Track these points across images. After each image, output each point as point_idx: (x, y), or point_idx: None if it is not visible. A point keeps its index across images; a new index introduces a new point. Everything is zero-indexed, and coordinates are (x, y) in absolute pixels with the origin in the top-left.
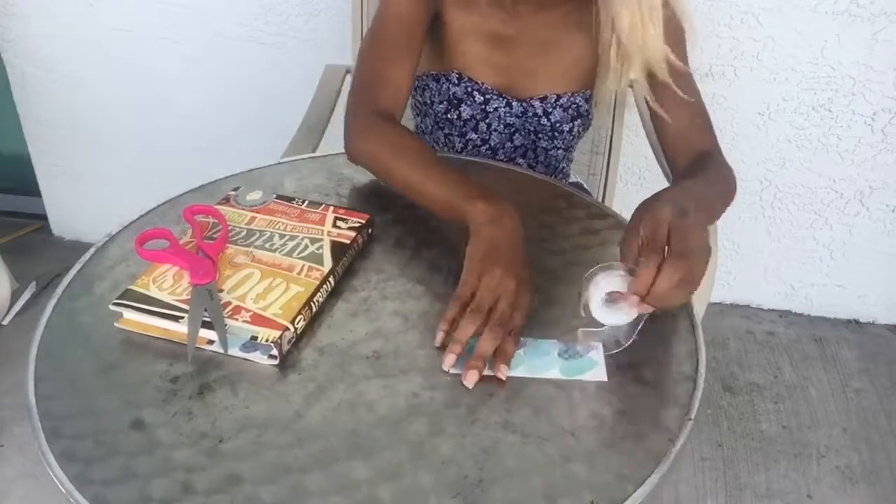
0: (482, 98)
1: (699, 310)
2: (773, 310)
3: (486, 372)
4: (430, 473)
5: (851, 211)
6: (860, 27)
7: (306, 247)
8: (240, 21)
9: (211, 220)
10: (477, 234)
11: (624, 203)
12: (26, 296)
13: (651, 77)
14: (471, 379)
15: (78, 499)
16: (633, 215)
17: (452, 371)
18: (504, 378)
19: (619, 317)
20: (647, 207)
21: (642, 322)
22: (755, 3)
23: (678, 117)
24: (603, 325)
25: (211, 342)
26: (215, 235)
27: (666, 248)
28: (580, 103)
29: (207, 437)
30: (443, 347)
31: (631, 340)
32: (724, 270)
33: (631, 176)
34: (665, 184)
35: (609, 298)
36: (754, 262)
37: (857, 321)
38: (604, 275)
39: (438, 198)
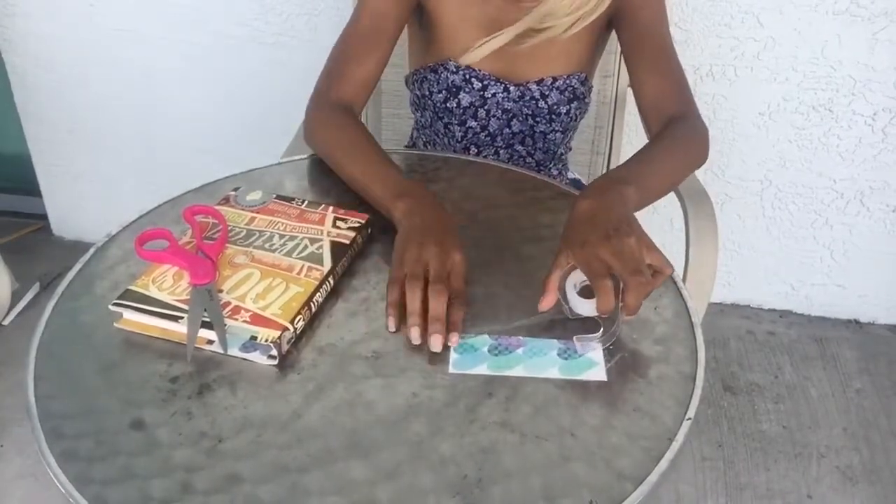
0: (480, 84)
1: (699, 310)
2: (774, 310)
3: (487, 372)
4: (430, 473)
5: (852, 211)
6: (861, 27)
7: (306, 247)
8: (240, 21)
9: (211, 220)
10: (399, 227)
11: None
12: (29, 296)
13: (628, 41)
14: (436, 343)
15: (78, 499)
16: (559, 254)
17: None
18: (453, 345)
19: (592, 306)
20: (569, 245)
21: (618, 321)
22: (755, 3)
23: (652, 83)
24: (586, 320)
25: (210, 342)
26: (215, 236)
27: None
28: (576, 85)
29: (207, 436)
30: (399, 331)
31: (613, 338)
32: (725, 270)
33: None
34: None
35: (584, 291)
36: (755, 262)
37: (857, 321)
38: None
39: (373, 197)
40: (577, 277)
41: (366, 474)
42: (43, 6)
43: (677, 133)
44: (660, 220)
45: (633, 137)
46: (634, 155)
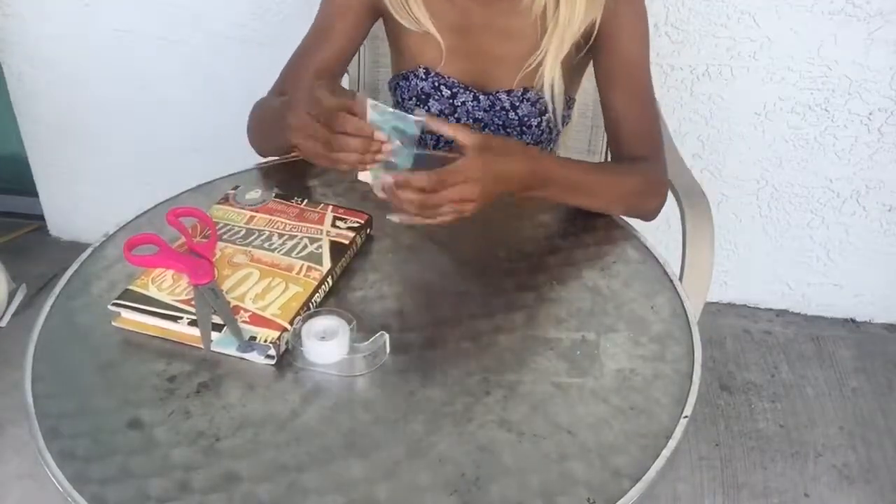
0: (449, 92)
1: (696, 309)
2: (770, 309)
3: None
4: (427, 472)
5: (848, 210)
6: (856, 27)
7: (305, 246)
8: (237, 22)
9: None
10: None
11: None
12: (19, 297)
13: (604, 72)
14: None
15: (76, 498)
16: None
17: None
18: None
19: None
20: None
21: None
22: (752, 3)
23: (624, 123)
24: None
25: (210, 341)
26: (208, 233)
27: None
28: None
29: (204, 435)
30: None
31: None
32: (721, 270)
33: None
34: None
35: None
36: (751, 262)
37: (853, 320)
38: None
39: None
40: (318, 326)
41: (364, 473)
42: (39, 6)
43: (636, 174)
44: (656, 220)
45: None
46: (591, 165)
